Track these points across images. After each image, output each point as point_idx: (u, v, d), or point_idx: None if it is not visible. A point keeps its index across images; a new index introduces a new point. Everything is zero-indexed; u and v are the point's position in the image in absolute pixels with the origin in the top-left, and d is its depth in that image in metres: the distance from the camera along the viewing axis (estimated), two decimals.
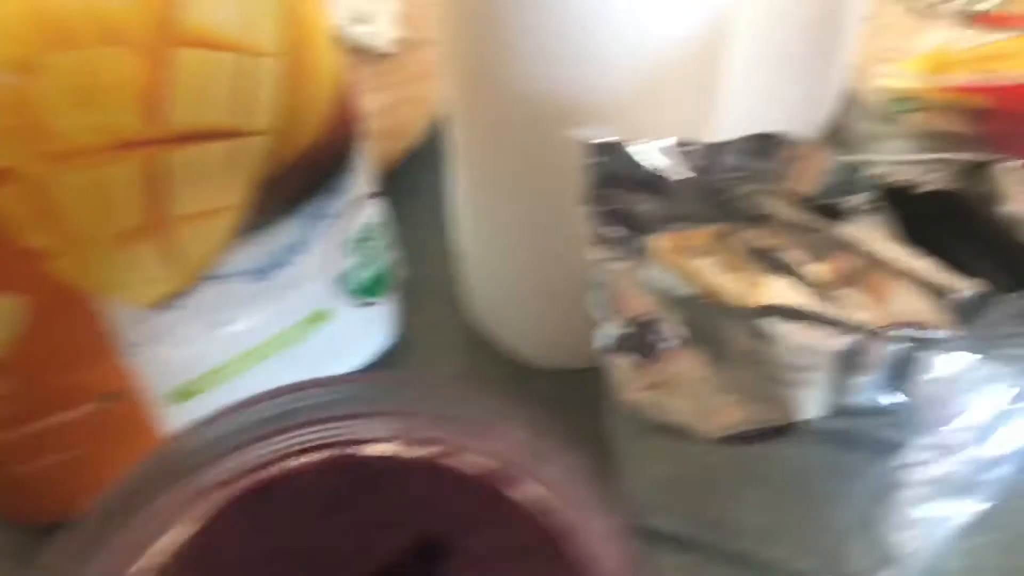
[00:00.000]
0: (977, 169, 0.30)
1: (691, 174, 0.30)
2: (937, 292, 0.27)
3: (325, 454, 0.22)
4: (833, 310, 0.27)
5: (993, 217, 0.29)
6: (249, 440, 0.22)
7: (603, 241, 0.31)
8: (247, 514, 0.21)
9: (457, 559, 0.20)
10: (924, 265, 0.28)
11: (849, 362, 0.28)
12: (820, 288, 0.28)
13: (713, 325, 0.29)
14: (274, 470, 0.22)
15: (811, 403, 0.29)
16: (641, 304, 0.31)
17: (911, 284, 0.27)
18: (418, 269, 0.49)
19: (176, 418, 0.39)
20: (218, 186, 0.35)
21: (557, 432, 0.20)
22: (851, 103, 0.57)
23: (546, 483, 0.21)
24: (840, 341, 0.27)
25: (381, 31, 0.55)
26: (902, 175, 0.31)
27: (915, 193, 0.30)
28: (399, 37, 0.56)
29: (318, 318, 0.41)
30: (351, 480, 0.22)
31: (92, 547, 0.20)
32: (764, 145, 0.30)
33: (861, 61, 0.58)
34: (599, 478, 0.20)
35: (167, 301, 0.36)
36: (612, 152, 0.29)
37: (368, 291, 0.43)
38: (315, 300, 0.41)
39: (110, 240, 0.34)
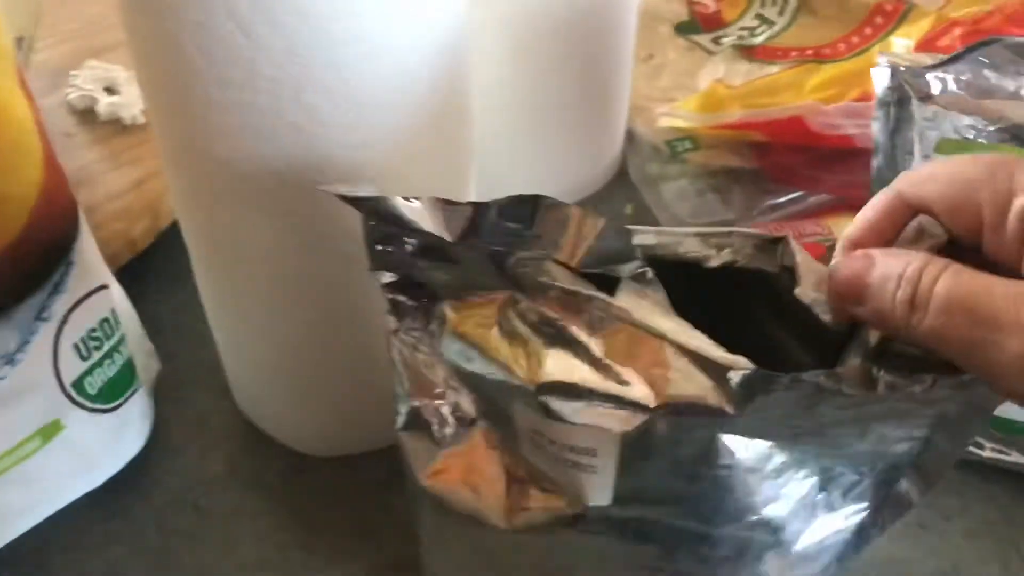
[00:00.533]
0: (771, 244, 0.28)
1: (464, 235, 0.27)
2: (714, 370, 0.25)
3: None
4: (614, 387, 0.26)
5: (792, 296, 0.28)
6: None
7: (395, 310, 0.28)
8: None
9: None
10: (701, 341, 0.26)
11: (635, 444, 0.26)
12: (602, 363, 0.26)
13: (502, 403, 0.27)
14: None
15: (598, 489, 0.27)
16: (435, 379, 0.28)
17: (689, 361, 0.26)
18: (181, 357, 0.45)
19: None
20: None
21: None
22: (636, 145, 0.57)
23: None
24: (623, 421, 0.25)
25: (131, 101, 0.51)
26: (693, 247, 0.29)
27: (709, 267, 0.29)
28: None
29: (49, 432, 0.37)
30: None
31: None
32: (526, 208, 0.27)
33: (643, 102, 0.58)
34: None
35: None
36: (378, 210, 0.26)
37: (110, 394, 0.39)
38: (43, 413, 0.36)
39: None
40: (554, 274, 0.28)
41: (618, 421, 0.25)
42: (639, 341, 0.26)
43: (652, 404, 0.25)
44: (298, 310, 0.36)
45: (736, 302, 0.29)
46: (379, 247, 0.28)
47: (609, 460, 0.26)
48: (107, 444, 0.39)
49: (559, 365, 0.26)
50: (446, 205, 0.27)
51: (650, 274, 0.28)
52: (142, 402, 0.41)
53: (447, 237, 0.27)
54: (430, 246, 0.28)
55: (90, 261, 0.37)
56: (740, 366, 0.25)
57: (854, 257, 0.26)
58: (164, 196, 0.47)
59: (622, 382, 0.26)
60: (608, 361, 0.26)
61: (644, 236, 0.30)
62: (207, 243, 0.36)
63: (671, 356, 0.26)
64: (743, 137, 0.55)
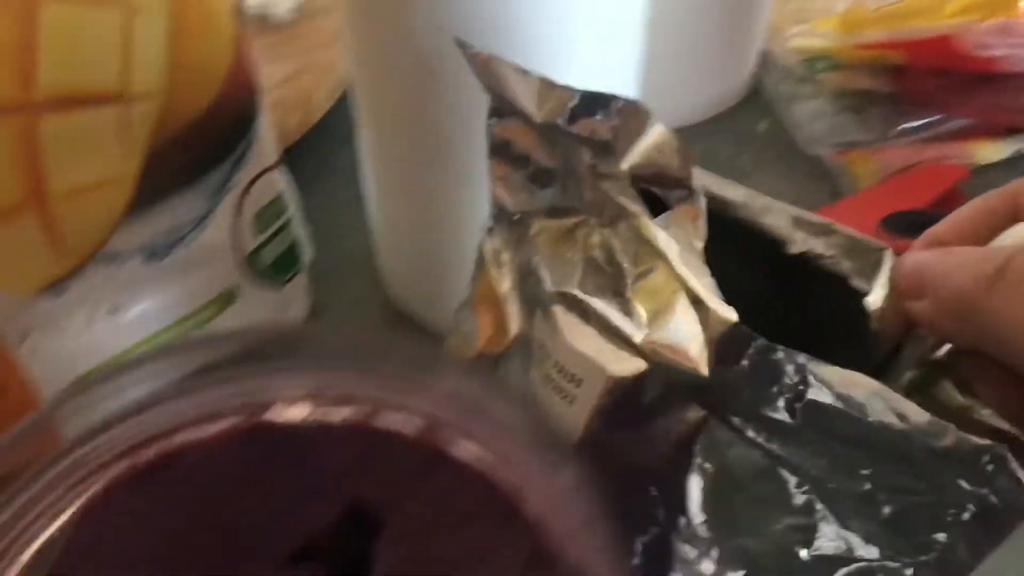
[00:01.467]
0: (868, 251, 0.26)
1: (553, 117, 0.26)
2: (705, 320, 0.22)
3: (232, 421, 0.19)
4: (624, 324, 0.23)
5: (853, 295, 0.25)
6: (137, 410, 0.19)
7: (495, 210, 0.27)
8: (141, 495, 0.19)
9: (393, 528, 0.18)
10: (706, 290, 0.22)
11: (621, 399, 0.22)
12: (625, 297, 0.24)
13: (536, 310, 0.25)
14: (174, 441, 0.19)
15: (568, 422, 0.23)
16: (500, 291, 0.27)
17: (694, 312, 0.22)
18: (332, 245, 0.47)
19: None
20: (103, 156, 0.32)
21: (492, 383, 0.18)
22: (769, 64, 0.57)
23: (485, 440, 0.19)
24: (617, 363, 0.22)
25: (279, 1, 0.52)
26: (780, 223, 0.27)
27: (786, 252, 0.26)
28: (297, 5, 0.53)
29: (225, 300, 0.38)
30: (265, 448, 0.19)
31: None
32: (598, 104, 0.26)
33: (778, 22, 0.58)
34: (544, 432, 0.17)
35: (53, 286, 0.33)
36: (488, 71, 0.25)
37: (278, 269, 0.40)
38: (221, 280, 0.38)
39: None
40: (613, 188, 0.26)
41: (613, 360, 0.23)
42: (664, 281, 0.24)
43: (641, 342, 0.22)
44: (449, 196, 0.37)
45: (792, 294, 0.27)
46: (495, 123, 0.26)
47: (588, 400, 0.23)
48: (274, 317, 0.41)
49: (587, 283, 0.24)
50: (549, 84, 0.25)
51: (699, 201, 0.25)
52: (302, 284, 0.43)
53: (536, 117, 0.25)
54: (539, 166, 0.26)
55: (267, 138, 0.38)
56: (723, 319, 0.22)
57: (929, 248, 0.24)
58: (315, 91, 0.49)
59: (630, 313, 0.23)
60: (631, 297, 0.24)
61: (734, 192, 0.28)
62: (384, 130, 0.37)
63: (681, 304, 0.23)
64: (882, 59, 0.54)
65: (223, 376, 0.19)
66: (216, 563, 0.18)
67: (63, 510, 0.18)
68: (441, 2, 0.32)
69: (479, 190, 0.37)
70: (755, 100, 0.56)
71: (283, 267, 0.40)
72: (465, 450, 0.19)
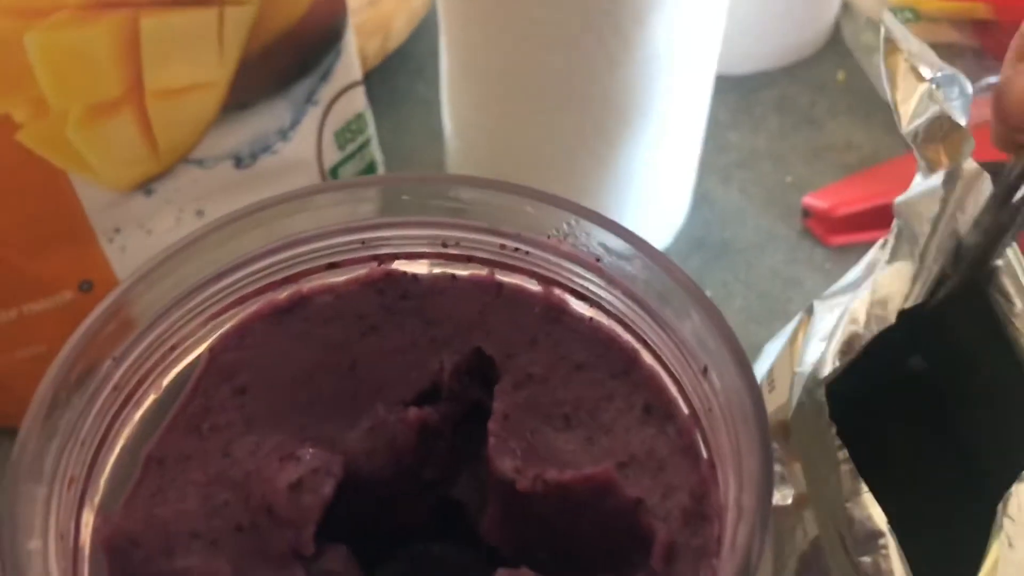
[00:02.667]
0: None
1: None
2: None
3: (362, 269, 0.20)
4: None
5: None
6: (268, 251, 0.19)
7: None
8: (274, 331, 0.19)
9: (512, 376, 0.19)
10: None
11: None
12: None
13: None
14: (308, 284, 0.20)
15: None
16: None
17: None
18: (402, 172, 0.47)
19: None
20: (200, 58, 0.33)
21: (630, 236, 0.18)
22: (851, 13, 0.56)
23: (605, 296, 0.19)
24: None
25: None
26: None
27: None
28: None
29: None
30: (393, 296, 0.20)
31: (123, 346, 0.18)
32: None
33: None
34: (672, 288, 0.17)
35: (144, 184, 0.34)
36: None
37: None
38: None
39: (83, 112, 0.31)
40: None
41: None
42: None
43: None
44: (543, 127, 0.38)
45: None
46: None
47: None
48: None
49: None
50: None
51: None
52: None
53: None
54: None
55: (352, 55, 0.38)
56: None
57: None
58: (394, 18, 0.49)
59: None
60: None
61: None
62: (475, 54, 0.37)
63: None
64: (968, 12, 0.53)
65: (352, 225, 0.20)
66: (344, 400, 0.19)
67: (201, 339, 0.19)
68: None
69: (560, 123, 0.37)
70: (835, 49, 0.55)
71: None
72: (585, 307, 0.19)
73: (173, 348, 0.19)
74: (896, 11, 0.54)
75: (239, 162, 0.36)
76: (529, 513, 0.18)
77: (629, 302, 0.19)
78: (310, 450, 0.18)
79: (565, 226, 0.19)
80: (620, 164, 0.39)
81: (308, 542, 0.17)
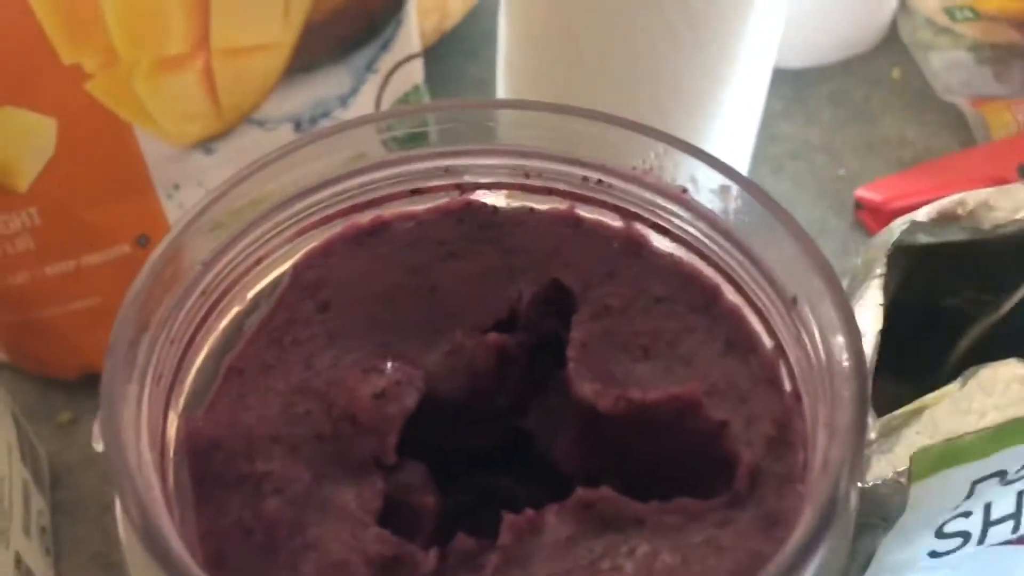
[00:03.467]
0: None
1: None
2: None
3: (445, 197, 0.20)
4: None
5: None
6: (350, 174, 0.20)
7: None
8: (356, 253, 0.19)
9: (589, 306, 0.19)
10: None
11: None
12: None
13: None
14: (390, 210, 0.20)
15: None
16: None
17: None
18: None
19: None
20: (266, 20, 0.33)
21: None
22: (908, 10, 0.55)
23: (686, 233, 0.19)
24: None
25: None
26: None
27: None
28: None
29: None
30: (473, 225, 0.20)
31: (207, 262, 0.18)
32: None
33: None
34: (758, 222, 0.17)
35: (205, 142, 0.34)
36: None
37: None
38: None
39: (151, 65, 0.32)
40: None
41: None
42: None
43: None
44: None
45: None
46: None
47: None
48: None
49: None
50: None
51: None
52: None
53: None
54: None
55: (412, 27, 0.39)
56: None
57: None
58: None
59: None
60: None
61: None
62: (541, 36, 0.37)
63: None
64: None
65: (431, 151, 0.20)
66: (423, 322, 0.19)
67: (286, 256, 0.19)
68: None
69: (618, 101, 0.37)
70: (891, 45, 0.54)
71: None
72: (667, 242, 0.19)
73: (259, 261, 0.19)
74: (955, 10, 0.54)
75: (298, 126, 0.36)
76: (607, 437, 0.18)
77: (714, 234, 0.19)
78: (391, 363, 0.18)
79: (652, 155, 0.19)
80: None
81: (390, 451, 0.17)
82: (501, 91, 0.42)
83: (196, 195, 0.35)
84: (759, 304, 0.18)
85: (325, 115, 0.37)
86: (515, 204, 0.20)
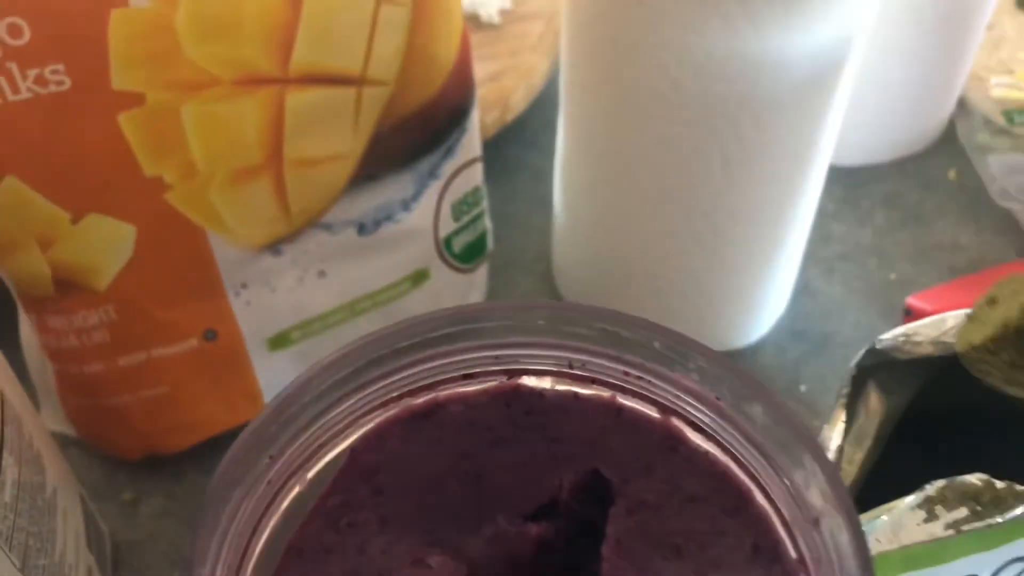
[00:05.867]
0: None
1: None
2: None
3: (492, 381, 0.21)
4: None
5: None
6: (411, 363, 0.21)
7: None
8: (410, 436, 0.21)
9: (626, 499, 0.20)
10: None
11: None
12: None
13: None
14: (443, 392, 0.21)
15: None
16: None
17: None
18: (510, 240, 0.49)
19: (269, 366, 0.38)
20: (336, 133, 0.35)
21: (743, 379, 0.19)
22: (966, 112, 0.56)
23: (723, 433, 0.20)
24: None
25: (490, 2, 0.54)
26: None
27: None
28: (506, 9, 0.55)
29: (419, 278, 0.41)
30: (519, 409, 0.21)
31: (268, 443, 0.19)
32: None
33: (980, 70, 0.57)
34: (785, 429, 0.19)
35: (273, 244, 0.36)
36: None
37: (467, 256, 0.42)
38: (417, 260, 0.40)
39: (227, 176, 0.33)
40: None
41: None
42: None
43: None
44: (654, 218, 0.39)
45: None
46: None
47: None
48: (455, 302, 0.43)
49: None
50: None
51: None
52: (484, 272, 0.45)
53: None
54: None
55: (475, 132, 0.40)
56: None
57: None
58: (514, 93, 0.51)
59: None
60: None
61: None
62: (595, 139, 0.39)
63: None
64: None
65: (488, 343, 0.21)
66: (469, 507, 0.20)
67: (345, 437, 0.21)
68: (664, 46, 0.33)
69: (669, 213, 0.38)
70: (947, 146, 0.55)
71: (472, 254, 0.43)
72: (701, 440, 0.20)
73: (321, 447, 0.20)
74: (1014, 113, 0.54)
75: (362, 228, 0.38)
76: None
77: (745, 443, 0.20)
78: (437, 558, 0.19)
79: (691, 364, 0.20)
80: (727, 255, 0.40)
81: None
82: (557, 186, 0.44)
83: (262, 293, 0.37)
84: (785, 515, 0.19)
85: (388, 218, 0.38)
86: (560, 388, 0.22)
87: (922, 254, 0.49)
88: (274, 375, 0.39)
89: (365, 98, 0.35)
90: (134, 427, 0.38)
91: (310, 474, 0.20)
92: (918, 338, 0.27)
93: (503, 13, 0.55)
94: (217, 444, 0.39)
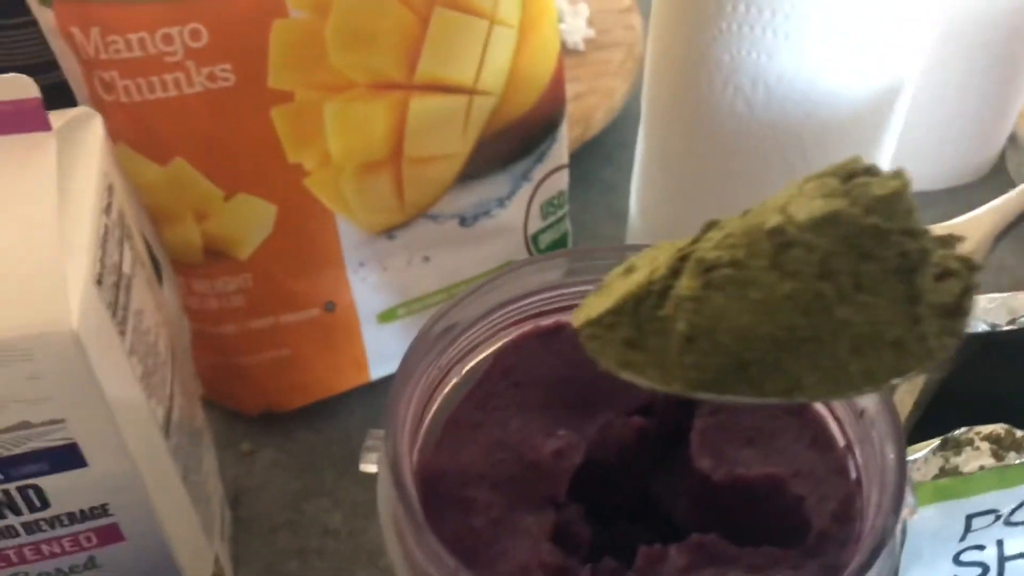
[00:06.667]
0: None
1: None
2: None
3: None
4: None
5: None
6: (540, 289, 0.26)
7: None
8: (539, 347, 0.26)
9: (708, 404, 0.24)
10: None
11: None
12: None
13: None
14: (566, 316, 0.26)
15: None
16: None
17: None
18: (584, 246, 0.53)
19: (376, 338, 0.44)
20: (448, 135, 0.40)
21: None
22: (1017, 146, 0.59)
23: None
24: None
25: (575, 29, 0.60)
26: None
27: None
28: (588, 37, 0.61)
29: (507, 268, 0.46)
30: None
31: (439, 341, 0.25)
32: None
33: None
34: None
35: (388, 230, 0.41)
36: None
37: (550, 252, 0.47)
38: (508, 252, 0.45)
39: (356, 168, 0.39)
40: None
41: None
42: None
43: None
44: None
45: None
46: None
47: None
48: None
49: None
50: None
51: None
52: None
53: None
54: None
55: (563, 141, 0.45)
56: None
57: None
58: (595, 112, 0.56)
59: None
60: None
61: None
62: (672, 163, 0.44)
63: None
64: None
65: (597, 277, 0.26)
66: (585, 405, 0.25)
67: (491, 344, 0.26)
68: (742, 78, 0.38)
69: None
70: (997, 179, 0.58)
71: (554, 250, 0.47)
72: None
73: (473, 348, 0.26)
74: None
75: (463, 221, 0.43)
76: (717, 500, 0.23)
77: None
78: (563, 432, 0.24)
79: None
80: None
81: (561, 493, 0.23)
82: (634, 197, 0.49)
83: (376, 272, 0.42)
84: (837, 413, 0.24)
85: (485, 214, 0.43)
86: None
87: None
88: (379, 345, 0.44)
89: (474, 106, 0.40)
90: (257, 384, 0.43)
91: (465, 368, 0.25)
92: None
93: (587, 41, 0.60)
94: (323, 406, 0.44)
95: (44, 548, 0.29)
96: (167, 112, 0.35)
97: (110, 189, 0.29)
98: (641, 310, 0.21)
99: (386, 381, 0.45)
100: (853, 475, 0.24)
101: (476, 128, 0.41)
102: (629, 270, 0.23)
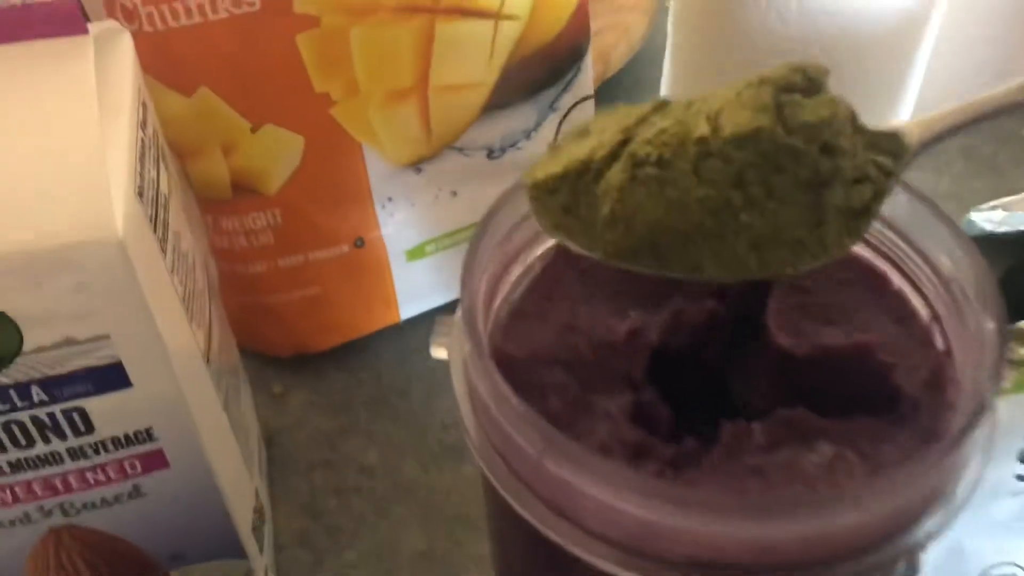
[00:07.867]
0: None
1: None
2: None
3: None
4: None
5: None
6: None
7: None
8: None
9: (785, 286, 0.24)
10: None
11: None
12: None
13: None
14: None
15: None
16: None
17: None
18: None
19: (405, 275, 0.43)
20: (474, 63, 0.39)
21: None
22: None
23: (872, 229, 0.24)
24: None
25: None
26: None
27: None
28: None
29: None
30: None
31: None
32: None
33: None
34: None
35: (416, 163, 0.41)
36: None
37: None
38: None
39: (383, 96, 0.38)
40: None
41: None
42: None
43: None
44: None
45: None
46: None
47: None
48: None
49: None
50: None
51: None
52: None
53: None
54: None
55: (588, 72, 0.44)
56: None
57: None
58: (615, 48, 0.55)
59: None
60: None
61: None
62: None
63: None
64: None
65: None
66: (656, 290, 0.25)
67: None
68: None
69: None
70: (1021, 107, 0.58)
71: None
72: None
73: (538, 234, 0.25)
74: None
75: (491, 153, 0.42)
76: (799, 378, 0.23)
77: (887, 231, 0.24)
78: (633, 314, 0.24)
79: None
80: None
81: (640, 372, 0.23)
82: None
83: (404, 207, 0.41)
84: (920, 285, 0.23)
85: (513, 145, 0.43)
86: None
87: (996, 199, 0.52)
88: (408, 283, 0.43)
89: (500, 31, 0.39)
90: (287, 325, 0.42)
91: (530, 257, 0.25)
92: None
93: None
94: (353, 347, 0.44)
95: (89, 476, 0.28)
96: (191, 40, 0.35)
97: (144, 105, 0.28)
98: (580, 184, 0.23)
99: (414, 323, 0.45)
100: (941, 346, 0.23)
101: (502, 55, 0.40)
102: (582, 134, 0.25)
